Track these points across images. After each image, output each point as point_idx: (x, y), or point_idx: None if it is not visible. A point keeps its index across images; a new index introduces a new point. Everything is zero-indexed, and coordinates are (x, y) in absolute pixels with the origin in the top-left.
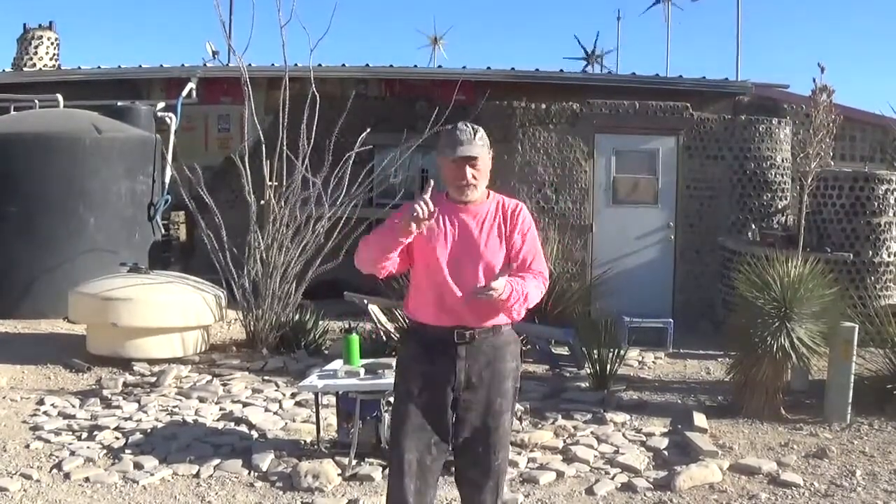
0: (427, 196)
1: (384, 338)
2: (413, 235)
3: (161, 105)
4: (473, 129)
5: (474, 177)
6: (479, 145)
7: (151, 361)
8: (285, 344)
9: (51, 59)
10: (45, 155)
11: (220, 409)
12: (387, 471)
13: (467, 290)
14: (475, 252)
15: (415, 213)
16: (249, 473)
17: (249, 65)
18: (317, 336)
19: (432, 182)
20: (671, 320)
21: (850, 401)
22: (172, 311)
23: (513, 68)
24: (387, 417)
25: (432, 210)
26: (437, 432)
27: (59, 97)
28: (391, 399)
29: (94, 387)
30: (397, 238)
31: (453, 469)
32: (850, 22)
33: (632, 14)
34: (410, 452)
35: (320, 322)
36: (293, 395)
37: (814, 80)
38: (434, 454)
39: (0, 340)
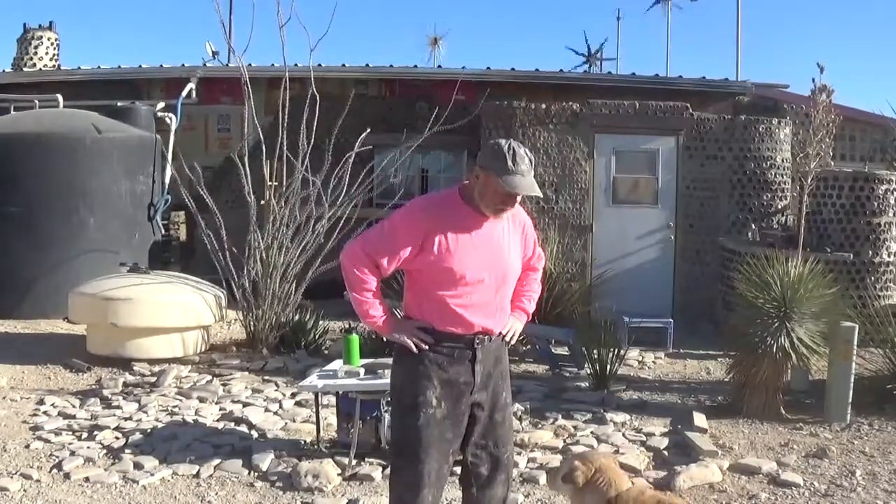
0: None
1: (384, 338)
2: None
3: (161, 105)
4: (530, 158)
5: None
6: (534, 181)
7: (151, 361)
8: (285, 344)
9: (51, 60)
10: (45, 155)
11: (220, 409)
12: (387, 471)
13: (498, 299)
14: (503, 260)
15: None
16: (249, 473)
17: (249, 65)
18: (317, 336)
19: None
20: (671, 320)
21: (850, 401)
22: (172, 311)
23: (513, 68)
24: (387, 417)
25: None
26: (457, 439)
27: (59, 97)
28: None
29: (94, 387)
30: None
31: (458, 469)
32: (850, 22)
33: (632, 14)
34: (430, 464)
35: (320, 322)
36: (293, 395)
37: (813, 80)
38: (450, 462)
39: (0, 340)
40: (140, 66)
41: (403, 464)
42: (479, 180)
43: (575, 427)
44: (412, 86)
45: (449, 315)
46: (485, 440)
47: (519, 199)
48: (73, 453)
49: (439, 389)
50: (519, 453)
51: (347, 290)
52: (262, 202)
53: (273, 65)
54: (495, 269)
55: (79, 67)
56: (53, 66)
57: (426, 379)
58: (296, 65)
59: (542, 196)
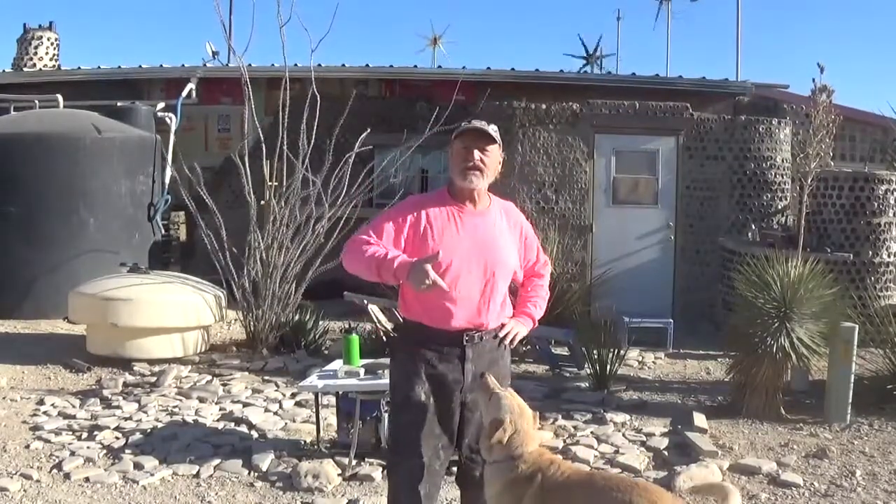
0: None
1: (384, 338)
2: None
3: (161, 105)
4: (492, 127)
5: (482, 161)
6: (493, 129)
7: (151, 361)
8: (285, 344)
9: (51, 60)
10: (45, 155)
11: (220, 409)
12: (386, 471)
13: (487, 293)
14: (491, 254)
15: (426, 282)
16: (249, 473)
17: (249, 65)
18: (317, 336)
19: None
20: (671, 320)
21: (850, 401)
22: (172, 311)
23: (513, 68)
24: (386, 417)
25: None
26: (446, 436)
27: (59, 97)
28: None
29: (94, 387)
30: (394, 280)
31: (455, 469)
32: (850, 22)
33: (632, 14)
34: (420, 459)
35: (320, 322)
36: (293, 395)
37: (813, 81)
38: (442, 458)
39: (0, 340)
40: (140, 66)
41: (397, 460)
42: (450, 157)
43: (575, 427)
44: (412, 86)
45: (436, 311)
46: (480, 443)
47: (479, 155)
48: (73, 453)
49: (428, 385)
50: None
51: (357, 271)
52: (262, 202)
53: (273, 65)
54: (482, 261)
55: (79, 67)
56: (53, 66)
57: (415, 375)
58: (296, 65)
59: (491, 134)
